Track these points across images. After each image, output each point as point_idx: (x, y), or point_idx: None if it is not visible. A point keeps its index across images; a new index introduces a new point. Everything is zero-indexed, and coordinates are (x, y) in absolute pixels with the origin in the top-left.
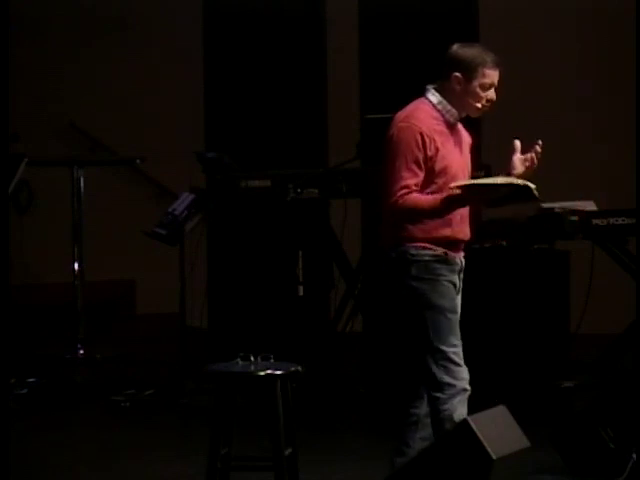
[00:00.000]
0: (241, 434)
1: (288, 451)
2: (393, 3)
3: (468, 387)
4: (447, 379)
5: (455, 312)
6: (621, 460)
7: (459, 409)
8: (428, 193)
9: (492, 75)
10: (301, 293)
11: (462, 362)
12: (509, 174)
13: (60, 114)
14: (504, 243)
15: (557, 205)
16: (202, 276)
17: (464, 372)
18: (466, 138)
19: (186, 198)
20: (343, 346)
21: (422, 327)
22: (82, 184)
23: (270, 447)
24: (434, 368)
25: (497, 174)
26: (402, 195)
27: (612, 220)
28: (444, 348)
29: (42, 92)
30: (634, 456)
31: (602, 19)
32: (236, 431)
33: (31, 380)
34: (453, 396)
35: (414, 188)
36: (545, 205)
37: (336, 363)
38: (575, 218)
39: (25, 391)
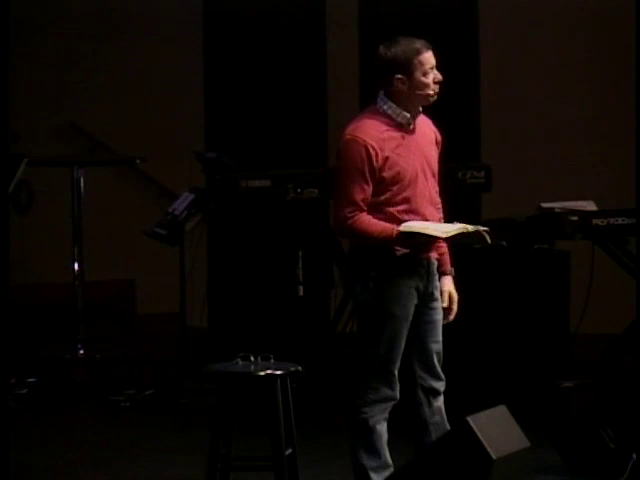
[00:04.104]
0: (241, 434)
1: (288, 451)
2: (393, 3)
3: (397, 396)
4: (375, 384)
5: (407, 321)
6: (621, 460)
7: (377, 415)
8: (383, 200)
9: (427, 58)
10: (301, 293)
11: (396, 374)
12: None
13: (60, 114)
14: (504, 243)
15: (557, 205)
16: (202, 276)
17: (396, 384)
18: (429, 136)
19: (186, 198)
20: (343, 346)
21: (371, 330)
22: (82, 184)
23: (270, 447)
24: (367, 370)
25: None
26: (352, 215)
27: (612, 220)
28: (385, 355)
29: (42, 92)
30: (634, 456)
31: (602, 20)
32: (236, 431)
33: (31, 380)
34: (375, 402)
35: (361, 204)
36: (545, 205)
37: (336, 363)
38: (575, 218)
39: (25, 391)
